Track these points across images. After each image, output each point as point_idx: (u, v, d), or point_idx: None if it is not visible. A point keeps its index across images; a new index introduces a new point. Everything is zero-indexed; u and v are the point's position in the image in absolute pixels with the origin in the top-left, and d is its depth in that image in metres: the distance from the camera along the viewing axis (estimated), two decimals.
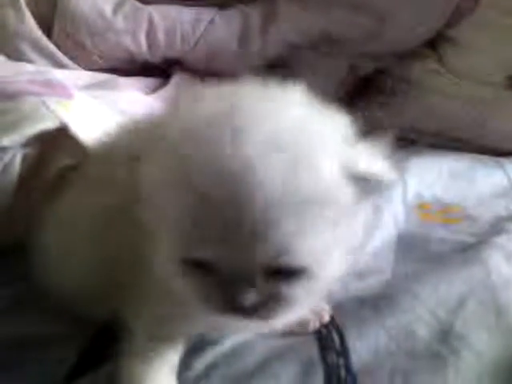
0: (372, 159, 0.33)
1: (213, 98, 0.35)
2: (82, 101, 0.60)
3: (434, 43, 1.04)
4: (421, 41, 1.03)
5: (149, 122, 0.43)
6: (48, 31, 1.05)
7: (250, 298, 0.32)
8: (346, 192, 0.32)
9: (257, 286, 0.32)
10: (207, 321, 0.38)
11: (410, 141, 0.98)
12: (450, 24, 1.01)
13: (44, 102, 0.54)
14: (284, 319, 0.36)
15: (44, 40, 1.02)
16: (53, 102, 0.54)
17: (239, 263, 0.31)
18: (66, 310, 0.45)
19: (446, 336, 0.43)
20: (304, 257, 0.31)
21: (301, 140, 0.31)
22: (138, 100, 0.93)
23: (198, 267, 0.32)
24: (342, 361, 0.41)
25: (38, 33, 1.02)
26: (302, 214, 0.30)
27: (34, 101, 0.54)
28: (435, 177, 0.80)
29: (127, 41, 1.03)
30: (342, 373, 0.40)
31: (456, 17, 1.00)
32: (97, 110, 0.62)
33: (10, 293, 0.51)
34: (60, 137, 0.54)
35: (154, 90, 1.04)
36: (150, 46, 1.05)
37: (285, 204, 0.30)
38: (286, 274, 0.32)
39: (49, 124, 0.53)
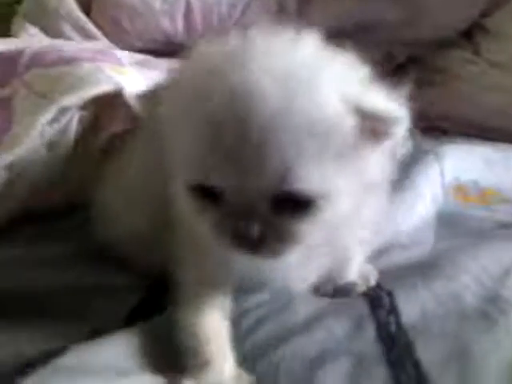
0: (381, 98, 0.33)
1: (229, 40, 0.37)
2: (132, 69, 0.61)
3: (470, 33, 1.04)
4: (456, 30, 1.03)
5: None
6: (87, 11, 1.07)
7: (255, 228, 0.32)
8: (349, 125, 0.32)
9: (261, 217, 0.33)
10: (243, 265, 0.39)
11: (443, 131, 0.98)
12: (485, 14, 1.01)
13: (99, 67, 0.55)
14: (293, 255, 0.36)
15: (83, 20, 1.04)
16: (108, 68, 0.56)
17: (243, 189, 0.32)
18: (124, 261, 0.47)
19: (493, 300, 0.43)
20: (307, 185, 0.32)
21: (305, 73, 0.33)
22: None
23: (209, 198, 0.34)
24: (392, 318, 0.42)
25: (78, 13, 1.04)
26: (303, 141, 0.31)
27: (89, 66, 0.56)
28: (470, 163, 0.80)
29: (165, 22, 1.05)
30: (393, 328, 0.41)
31: (492, 6, 1.00)
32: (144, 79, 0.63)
33: (72, 246, 0.53)
34: (113, 103, 0.55)
35: None
36: (187, 28, 1.06)
37: (284, 129, 0.31)
38: (291, 205, 0.32)
39: (105, 88, 0.55)
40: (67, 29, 1.04)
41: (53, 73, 0.57)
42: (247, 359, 0.39)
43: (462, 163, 0.78)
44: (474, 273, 0.48)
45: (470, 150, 0.84)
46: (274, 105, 0.31)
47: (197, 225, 0.36)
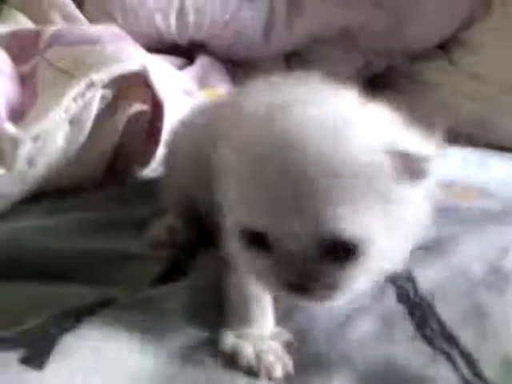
0: (413, 139, 0.36)
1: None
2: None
3: (445, 45, 1.11)
4: (435, 42, 1.09)
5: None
6: (80, 5, 1.07)
7: (305, 276, 0.34)
8: (387, 167, 0.34)
9: (310, 264, 0.34)
10: None
11: None
12: (462, 27, 1.08)
13: (124, 47, 0.57)
14: (341, 299, 0.37)
15: (77, 14, 1.05)
16: (131, 49, 0.57)
17: (291, 236, 0.33)
18: None
19: (498, 271, 0.48)
20: (353, 231, 0.33)
21: (341, 121, 0.35)
22: (172, 73, 0.96)
23: (258, 244, 0.35)
24: (410, 285, 0.46)
25: (72, 6, 1.05)
26: (343, 186, 0.32)
27: (114, 46, 0.57)
28: (450, 164, 0.85)
29: (158, 19, 1.06)
30: (411, 293, 0.45)
31: (469, 20, 1.07)
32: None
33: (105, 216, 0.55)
34: (135, 83, 0.57)
35: (179, 68, 1.07)
36: (179, 27, 1.08)
37: (325, 174, 0.32)
38: (338, 251, 0.34)
39: (133, 66, 0.56)
40: (58, 20, 1.04)
41: (76, 51, 0.58)
42: (284, 315, 0.41)
43: (443, 163, 0.83)
44: (477, 249, 0.52)
45: (448, 152, 0.89)
46: (314, 152, 0.33)
47: (241, 262, 0.38)
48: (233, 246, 0.37)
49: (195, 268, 0.48)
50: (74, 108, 0.55)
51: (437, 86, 1.08)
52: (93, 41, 0.59)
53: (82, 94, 0.55)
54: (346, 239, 0.33)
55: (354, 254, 0.34)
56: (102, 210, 0.55)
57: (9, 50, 0.62)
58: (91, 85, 0.55)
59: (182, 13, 1.07)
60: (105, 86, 0.57)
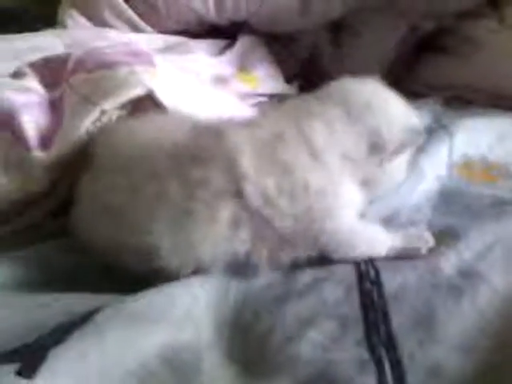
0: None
1: None
2: (164, 68, 0.69)
3: (495, 2, 1.05)
4: None
5: None
6: None
7: None
8: None
9: None
10: None
11: (467, 101, 1.00)
12: None
13: (134, 71, 0.63)
14: None
15: (122, 4, 1.12)
16: (141, 71, 0.64)
17: None
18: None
19: (468, 274, 0.50)
20: None
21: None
22: (205, 63, 1.01)
23: None
24: (375, 288, 0.50)
25: (119, 1, 1.12)
26: None
27: (126, 70, 0.64)
28: (482, 137, 0.82)
29: (197, 4, 1.11)
30: (375, 297, 0.49)
31: None
32: (178, 77, 0.71)
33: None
34: (145, 105, 0.63)
35: (221, 51, 1.12)
36: (217, 9, 1.12)
37: None
38: None
39: (138, 91, 0.63)
40: (109, 16, 1.12)
41: (95, 77, 0.65)
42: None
43: (474, 137, 0.81)
44: (458, 249, 0.54)
45: (486, 123, 0.86)
46: None
47: None
48: None
49: None
50: (94, 131, 0.62)
51: (485, 46, 1.03)
52: (110, 65, 0.65)
53: (99, 119, 0.62)
54: None
55: None
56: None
57: (43, 78, 0.70)
58: (103, 112, 0.62)
59: None
60: (121, 108, 0.64)
